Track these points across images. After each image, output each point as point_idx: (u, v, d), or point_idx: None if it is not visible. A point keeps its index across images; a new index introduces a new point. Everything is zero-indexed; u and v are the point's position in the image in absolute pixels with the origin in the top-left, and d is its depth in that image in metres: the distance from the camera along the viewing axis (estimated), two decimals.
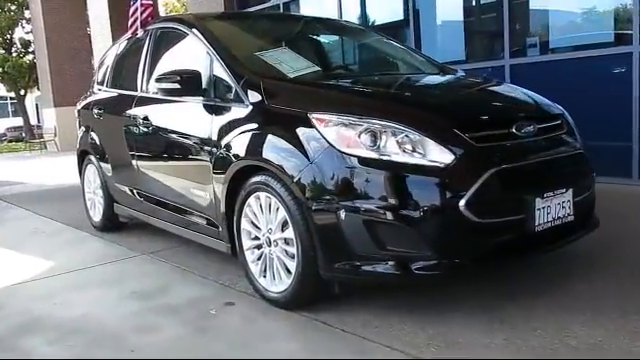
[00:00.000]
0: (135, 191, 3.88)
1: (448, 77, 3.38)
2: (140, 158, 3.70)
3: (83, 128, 4.72)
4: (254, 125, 2.65)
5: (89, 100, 4.72)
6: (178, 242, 3.83)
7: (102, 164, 4.31)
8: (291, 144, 2.42)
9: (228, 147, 2.74)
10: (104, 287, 3.14)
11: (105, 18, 12.33)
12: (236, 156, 2.68)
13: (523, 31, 5.88)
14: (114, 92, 4.26)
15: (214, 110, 2.91)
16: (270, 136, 2.54)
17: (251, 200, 2.66)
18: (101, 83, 4.58)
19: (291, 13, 8.17)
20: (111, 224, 4.49)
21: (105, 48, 5.74)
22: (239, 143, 2.68)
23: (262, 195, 2.60)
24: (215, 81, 2.96)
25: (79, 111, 4.87)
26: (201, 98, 3.01)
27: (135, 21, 4.27)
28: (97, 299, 2.96)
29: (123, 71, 4.25)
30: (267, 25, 4.05)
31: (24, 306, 2.93)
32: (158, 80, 3.04)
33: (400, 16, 6.99)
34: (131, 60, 4.11)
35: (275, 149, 2.49)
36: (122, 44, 4.42)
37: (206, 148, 2.92)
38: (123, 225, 4.50)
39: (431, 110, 2.54)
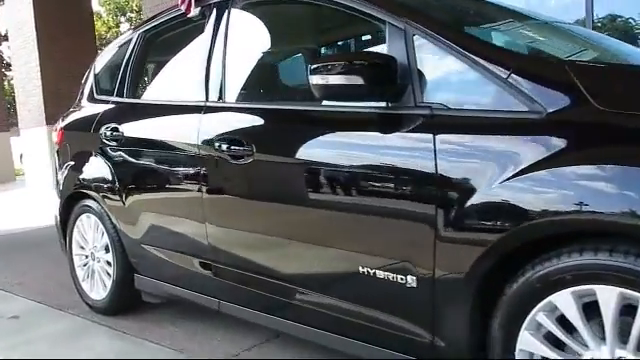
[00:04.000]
0: (196, 261, 2.40)
1: None
2: (225, 208, 2.25)
3: (70, 159, 3.15)
4: (574, 151, 1.35)
5: (83, 116, 3.16)
6: (256, 332, 2.41)
7: (116, 214, 2.78)
8: None
9: (502, 194, 1.41)
10: None
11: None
12: (541, 213, 1.35)
13: None
14: (145, 102, 2.76)
15: (436, 125, 1.57)
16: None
17: (567, 295, 1.35)
18: (108, 92, 3.05)
19: None
20: (123, 304, 2.94)
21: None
22: (542, 185, 1.36)
23: (609, 291, 1.29)
24: (422, 75, 1.63)
25: (62, 133, 3.28)
26: (383, 104, 1.68)
27: None
28: None
29: (163, 71, 2.77)
30: None
31: None
32: (315, 72, 1.66)
33: None
34: (177, 53, 2.66)
35: None
36: (145, 33, 2.91)
37: (423, 193, 1.57)
38: (137, 304, 2.97)
39: None
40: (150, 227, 2.62)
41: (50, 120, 10.29)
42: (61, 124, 3.31)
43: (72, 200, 3.12)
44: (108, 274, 2.93)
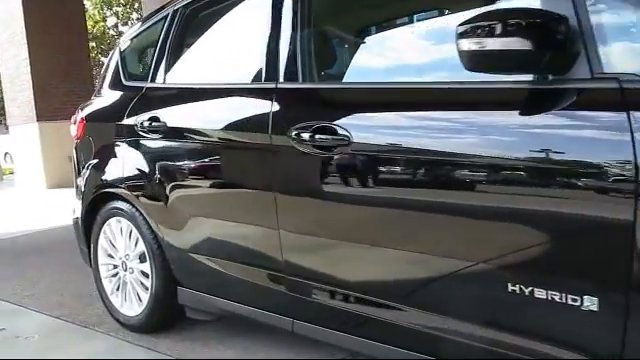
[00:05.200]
0: (264, 273, 2.01)
1: None
2: (307, 212, 1.86)
3: (94, 155, 2.75)
4: None
5: (109, 105, 2.76)
6: (321, 351, 2.03)
7: (156, 218, 2.39)
8: None
9: None
10: None
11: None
12: None
13: None
14: (194, 87, 2.36)
15: (630, 101, 1.21)
16: None
17: None
18: (140, 78, 2.65)
19: None
20: (162, 321, 2.55)
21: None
22: None
23: None
24: (600, 38, 1.27)
25: (84, 125, 2.86)
26: (545, 77, 1.32)
27: None
28: None
29: (212, 50, 2.37)
30: None
31: None
32: (464, 35, 1.28)
33: None
34: (229, 29, 2.27)
35: None
36: (184, 8, 2.47)
37: (614, 190, 1.21)
38: (178, 321, 2.58)
39: None
40: (202, 233, 2.23)
41: (41, 116, 9.79)
42: (81, 114, 2.90)
43: (97, 202, 2.71)
44: (144, 287, 2.54)
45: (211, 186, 2.16)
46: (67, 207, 7.61)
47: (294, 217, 1.86)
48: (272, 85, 1.92)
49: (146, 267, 2.50)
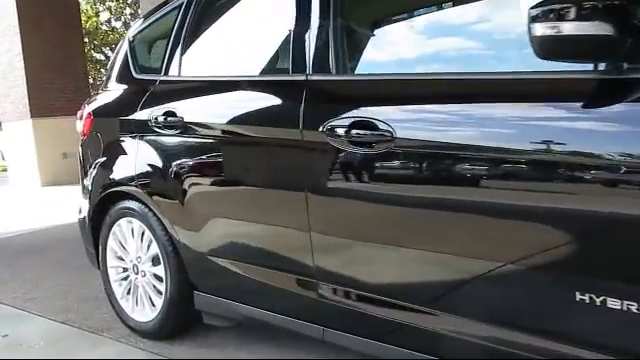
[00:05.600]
0: (293, 278, 1.88)
1: None
2: (342, 213, 1.72)
3: (103, 151, 2.61)
4: None
5: (118, 99, 2.62)
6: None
7: (171, 218, 2.25)
8: None
9: None
10: None
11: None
12: None
13: None
14: (214, 79, 2.22)
15: None
16: None
17: None
18: (153, 70, 2.51)
19: None
20: (177, 327, 2.42)
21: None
22: None
23: None
24: None
25: (91, 121, 2.72)
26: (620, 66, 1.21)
27: None
28: None
29: (232, 41, 2.22)
30: None
31: None
32: (537, 18, 1.16)
33: None
34: (251, 18, 2.14)
35: None
36: None
37: None
38: (193, 326, 2.45)
39: None
40: (222, 235, 2.10)
41: (35, 112, 9.60)
42: (88, 109, 2.75)
43: (106, 201, 2.57)
44: (157, 291, 2.41)
45: (233, 185, 2.03)
46: (62, 205, 7.52)
47: (327, 218, 1.73)
48: (302, 77, 1.79)
49: (160, 270, 2.37)
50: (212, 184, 2.11)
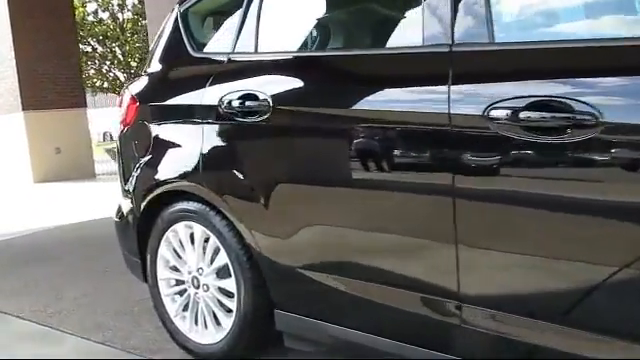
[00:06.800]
0: (427, 299, 1.52)
1: None
2: (513, 223, 1.34)
3: (153, 143, 2.21)
4: None
5: (174, 81, 2.23)
6: None
7: (249, 223, 1.87)
8: None
9: None
10: None
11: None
12: None
13: None
14: (317, 55, 1.85)
15: None
16: None
17: None
18: (218, 48, 2.13)
19: None
20: (250, 350, 2.05)
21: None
22: None
23: None
24: None
25: (137, 107, 2.32)
26: None
27: None
28: None
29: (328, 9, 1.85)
30: None
31: None
32: None
33: None
34: None
35: None
36: None
37: None
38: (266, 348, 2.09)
39: None
40: (322, 244, 1.73)
41: (27, 105, 9.09)
42: (130, 94, 2.35)
43: (157, 202, 2.18)
44: (225, 308, 2.03)
45: (343, 184, 1.65)
46: (59, 203, 7.05)
47: (486, 228, 1.37)
48: (444, 48, 1.43)
49: (229, 284, 2.00)
50: (311, 182, 1.73)
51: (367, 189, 1.59)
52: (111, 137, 22.62)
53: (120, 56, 20.91)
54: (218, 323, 2.07)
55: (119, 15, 20.78)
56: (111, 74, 21.36)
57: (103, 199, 7.07)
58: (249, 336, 1.99)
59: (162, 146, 2.18)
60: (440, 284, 1.47)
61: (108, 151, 11.45)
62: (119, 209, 2.46)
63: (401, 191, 1.51)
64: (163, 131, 2.19)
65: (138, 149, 2.29)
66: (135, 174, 2.29)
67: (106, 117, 22.20)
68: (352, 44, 1.76)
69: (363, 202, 1.60)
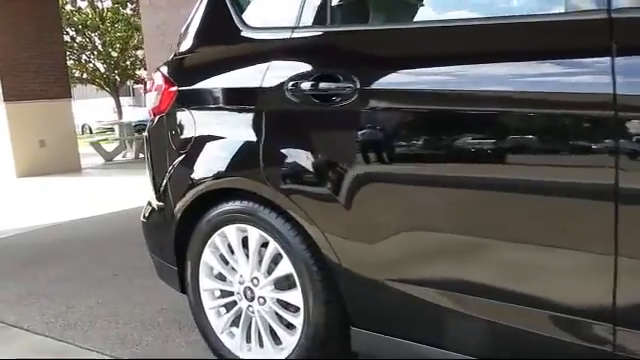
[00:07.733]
0: (570, 322, 1.26)
1: None
2: None
3: (196, 133, 1.91)
4: None
5: (223, 61, 1.94)
6: None
7: (322, 226, 1.59)
8: None
9: None
10: None
11: None
12: None
13: None
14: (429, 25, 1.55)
15: None
16: None
17: None
18: (276, 23, 1.83)
19: None
20: None
21: None
22: None
23: None
24: None
25: (175, 93, 2.01)
26: None
27: None
28: None
29: None
30: None
31: None
32: None
33: None
34: None
35: None
36: None
37: None
38: None
39: None
40: (423, 252, 1.46)
41: (8, 96, 8.61)
42: (163, 77, 2.05)
43: (201, 202, 1.89)
44: (285, 325, 1.76)
45: (455, 184, 1.37)
46: (46, 198, 6.65)
47: None
48: (601, 14, 1.16)
49: (293, 297, 1.72)
50: (410, 180, 1.45)
51: (485, 192, 1.32)
52: (90, 130, 21.99)
53: (100, 46, 20.29)
54: (277, 342, 1.79)
55: (98, 4, 20.15)
56: (90, 65, 20.73)
57: (92, 194, 6.72)
58: (317, 356, 1.71)
59: (208, 137, 1.88)
60: (585, 302, 1.22)
61: (93, 144, 11.00)
62: (150, 209, 2.16)
63: (538, 192, 1.25)
64: (209, 119, 1.90)
65: (176, 141, 1.99)
66: (172, 169, 1.99)
67: (85, 109, 21.54)
68: (473, 12, 1.48)
69: (483, 206, 1.34)
